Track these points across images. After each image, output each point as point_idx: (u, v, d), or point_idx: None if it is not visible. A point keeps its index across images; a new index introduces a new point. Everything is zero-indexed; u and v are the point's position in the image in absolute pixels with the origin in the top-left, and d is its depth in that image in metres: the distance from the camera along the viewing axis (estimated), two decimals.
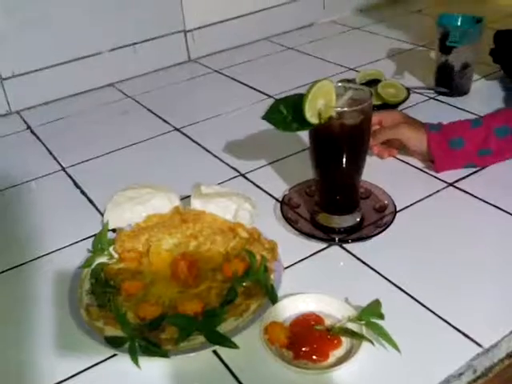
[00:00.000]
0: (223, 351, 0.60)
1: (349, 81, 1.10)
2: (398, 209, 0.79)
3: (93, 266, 0.72)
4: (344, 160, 0.73)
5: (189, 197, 0.82)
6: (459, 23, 1.09)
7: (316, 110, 0.68)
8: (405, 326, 0.61)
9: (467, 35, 1.06)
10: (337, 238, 0.76)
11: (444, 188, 0.85)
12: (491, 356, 0.59)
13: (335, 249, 0.75)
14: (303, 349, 0.58)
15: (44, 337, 0.65)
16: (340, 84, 0.74)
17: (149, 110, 1.19)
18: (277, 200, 0.85)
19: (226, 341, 0.59)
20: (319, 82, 0.68)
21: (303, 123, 0.69)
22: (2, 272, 0.76)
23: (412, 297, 0.66)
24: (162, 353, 0.59)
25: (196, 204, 0.80)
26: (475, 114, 1.03)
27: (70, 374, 0.60)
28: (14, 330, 0.66)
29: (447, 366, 0.57)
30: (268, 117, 0.72)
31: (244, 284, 0.67)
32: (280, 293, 0.66)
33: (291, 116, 0.71)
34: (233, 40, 1.48)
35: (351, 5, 1.67)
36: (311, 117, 0.68)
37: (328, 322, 0.62)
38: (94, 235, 0.78)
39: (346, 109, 0.70)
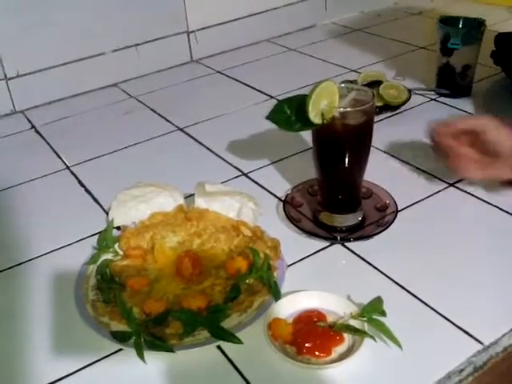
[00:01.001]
0: (227, 346, 0.61)
1: (351, 82, 1.11)
2: (399, 208, 0.80)
3: (98, 263, 0.73)
4: (346, 160, 0.74)
5: (192, 195, 0.83)
6: (460, 25, 1.10)
7: (319, 110, 0.69)
8: (406, 323, 0.62)
9: (468, 37, 1.07)
10: (339, 237, 0.76)
11: (445, 188, 0.86)
12: (491, 353, 0.60)
13: (337, 247, 0.75)
14: (306, 345, 0.59)
15: (50, 332, 0.65)
16: (343, 85, 0.75)
17: (152, 109, 1.20)
18: (279, 199, 0.86)
19: (230, 336, 0.60)
20: (323, 83, 0.69)
21: (306, 123, 0.70)
22: (9, 268, 0.77)
23: (413, 294, 0.66)
24: (167, 348, 0.59)
25: (200, 202, 0.81)
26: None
27: (76, 368, 0.61)
28: (20, 325, 0.67)
29: (448, 363, 0.58)
30: (272, 117, 0.73)
31: (247, 281, 0.68)
32: (283, 290, 0.66)
33: (295, 116, 0.71)
34: (235, 41, 1.49)
35: (353, 6, 1.68)
36: (315, 117, 0.69)
37: (330, 319, 0.63)
38: (99, 233, 0.79)
39: (348, 109, 0.71)
